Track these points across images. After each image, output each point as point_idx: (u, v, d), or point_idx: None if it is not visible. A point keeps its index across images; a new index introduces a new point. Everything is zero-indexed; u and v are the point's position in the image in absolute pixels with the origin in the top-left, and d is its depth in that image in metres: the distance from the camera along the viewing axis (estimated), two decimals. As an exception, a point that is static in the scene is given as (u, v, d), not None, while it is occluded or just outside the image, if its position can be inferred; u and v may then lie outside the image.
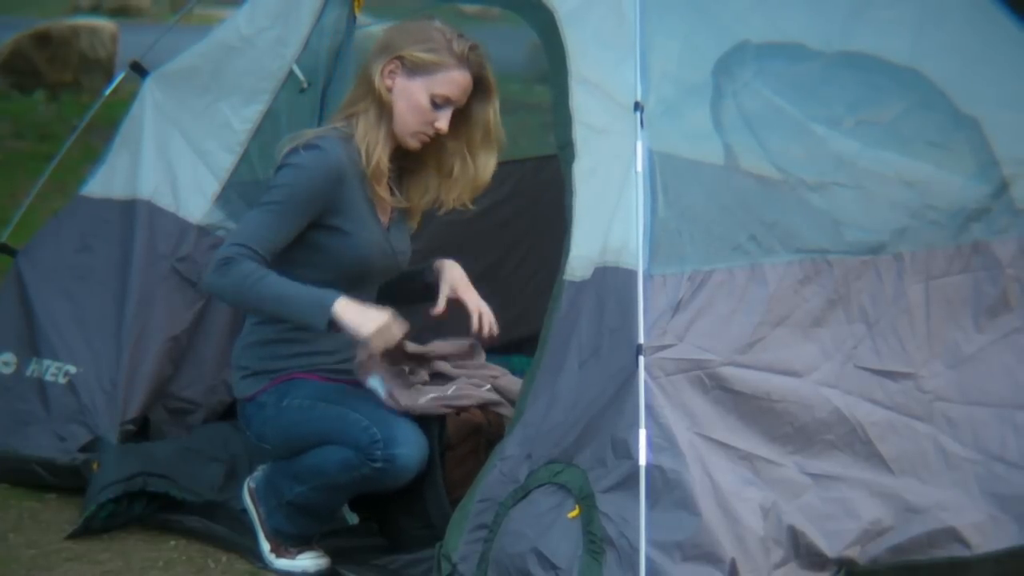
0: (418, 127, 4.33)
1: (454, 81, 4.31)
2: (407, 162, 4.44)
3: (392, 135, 4.34)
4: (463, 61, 4.31)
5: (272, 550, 4.45)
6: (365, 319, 4.15)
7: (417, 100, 4.30)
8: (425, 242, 4.90)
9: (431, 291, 4.49)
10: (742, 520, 3.85)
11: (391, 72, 4.31)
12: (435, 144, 4.38)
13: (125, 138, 5.19)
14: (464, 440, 4.40)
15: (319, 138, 4.29)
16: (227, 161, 5.03)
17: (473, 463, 4.29)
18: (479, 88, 4.36)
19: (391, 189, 4.43)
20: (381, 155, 4.32)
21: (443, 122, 4.32)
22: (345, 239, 4.30)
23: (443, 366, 4.46)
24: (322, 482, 4.29)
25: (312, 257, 4.29)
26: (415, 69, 4.30)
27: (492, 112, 4.38)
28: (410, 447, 4.20)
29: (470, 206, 4.52)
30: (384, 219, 4.41)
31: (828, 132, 4.47)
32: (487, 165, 4.41)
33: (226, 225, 5.01)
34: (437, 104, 4.31)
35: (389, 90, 4.31)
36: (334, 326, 4.13)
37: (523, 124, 6.92)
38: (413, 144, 4.36)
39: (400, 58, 4.30)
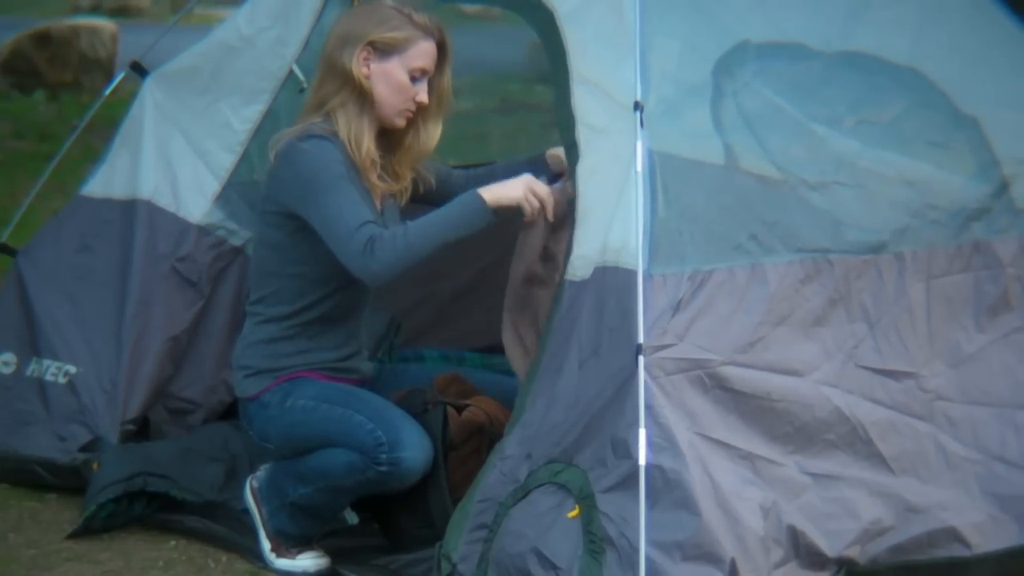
0: (402, 105, 4.36)
1: (425, 52, 4.37)
2: (384, 148, 4.45)
3: (375, 121, 4.36)
4: (428, 31, 4.38)
5: (272, 550, 4.45)
6: (511, 188, 4.18)
7: (397, 79, 4.34)
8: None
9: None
10: (742, 520, 3.85)
11: (365, 59, 4.34)
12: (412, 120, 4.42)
13: (125, 138, 5.19)
14: (467, 440, 4.40)
15: (307, 133, 4.29)
16: (227, 161, 5.03)
17: (475, 463, 4.29)
18: (440, 55, 4.42)
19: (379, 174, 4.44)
20: (369, 144, 4.34)
21: (423, 94, 4.38)
22: None
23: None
24: (327, 484, 4.28)
25: (315, 251, 4.27)
26: (387, 50, 4.34)
27: (447, 79, 4.45)
28: (415, 450, 4.20)
29: (426, 173, 4.54)
30: (377, 205, 4.42)
31: (828, 132, 4.47)
32: (435, 132, 4.47)
33: (226, 225, 5.01)
34: (415, 78, 4.36)
35: (367, 77, 4.33)
36: (496, 213, 4.18)
37: (523, 124, 6.93)
38: (400, 123, 4.39)
39: (371, 43, 4.33)
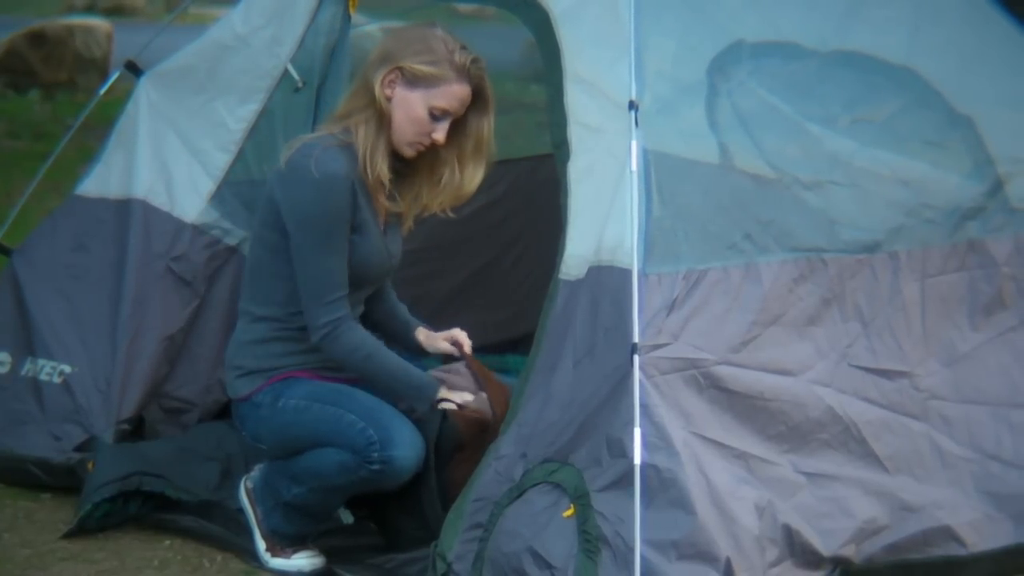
0: (415, 137, 4.30)
1: (454, 94, 4.28)
2: (401, 167, 4.43)
3: (389, 143, 4.32)
4: (463, 74, 4.27)
5: (268, 549, 4.45)
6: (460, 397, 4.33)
7: (415, 111, 4.27)
8: (421, 241, 4.90)
9: (420, 350, 4.59)
10: (737, 519, 3.85)
11: (391, 82, 4.28)
12: (430, 151, 4.37)
13: (120, 137, 5.18)
14: (474, 439, 4.38)
15: (324, 151, 4.23)
16: (222, 160, 5.02)
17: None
18: (477, 100, 4.33)
19: (389, 194, 4.42)
20: (383, 165, 4.28)
21: (440, 133, 4.29)
22: (353, 247, 4.28)
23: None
24: (320, 483, 4.28)
25: None
26: (415, 81, 4.26)
27: (487, 125, 4.35)
28: (406, 448, 4.20)
29: (451, 214, 4.52)
30: (380, 224, 4.40)
31: (823, 131, 4.47)
32: (474, 177, 4.39)
33: (221, 224, 5.00)
34: (435, 116, 4.28)
35: (388, 100, 4.28)
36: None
37: (518, 123, 6.92)
38: (409, 152, 4.34)
39: (400, 68, 4.27)
